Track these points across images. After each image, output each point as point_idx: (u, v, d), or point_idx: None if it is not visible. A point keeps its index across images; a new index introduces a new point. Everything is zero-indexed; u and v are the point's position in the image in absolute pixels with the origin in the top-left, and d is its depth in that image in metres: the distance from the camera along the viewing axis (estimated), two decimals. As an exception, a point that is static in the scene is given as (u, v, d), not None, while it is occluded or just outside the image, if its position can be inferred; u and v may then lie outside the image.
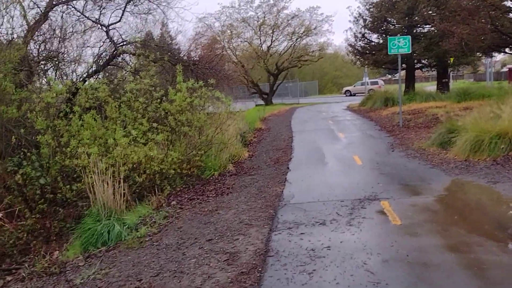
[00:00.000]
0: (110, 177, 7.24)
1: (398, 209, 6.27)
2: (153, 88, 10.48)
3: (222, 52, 26.85)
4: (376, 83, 43.10)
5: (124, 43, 14.95)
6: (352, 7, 28.27)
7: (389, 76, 64.32)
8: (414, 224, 5.64)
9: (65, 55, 15.18)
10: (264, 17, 37.37)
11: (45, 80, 9.39)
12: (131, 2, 14.28)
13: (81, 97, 9.70)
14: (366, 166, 9.61)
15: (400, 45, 14.84)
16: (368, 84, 37.37)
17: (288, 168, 10.12)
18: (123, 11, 13.92)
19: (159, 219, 7.20)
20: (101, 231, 6.72)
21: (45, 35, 14.85)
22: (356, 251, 4.81)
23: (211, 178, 10.07)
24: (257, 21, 37.32)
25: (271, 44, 39.08)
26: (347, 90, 47.36)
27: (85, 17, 13.49)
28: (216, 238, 5.77)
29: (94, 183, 7.11)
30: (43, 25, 14.74)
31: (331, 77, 61.39)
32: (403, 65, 27.73)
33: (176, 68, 16.99)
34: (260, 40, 38.63)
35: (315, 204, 6.86)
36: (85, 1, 13.63)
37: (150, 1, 14.59)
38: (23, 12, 14.80)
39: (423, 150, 10.76)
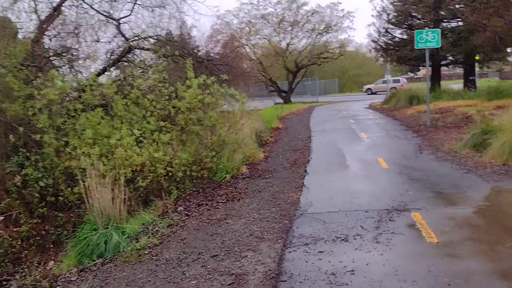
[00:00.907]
0: (109, 182, 6.59)
1: (432, 223, 5.43)
2: (162, 84, 9.83)
3: (238, 48, 26.08)
4: (398, 81, 41.72)
5: (136, 38, 14.39)
6: (375, 0, 27.06)
7: (411, 74, 62.65)
8: (454, 243, 4.80)
9: (78, 51, 14.73)
10: (284, 13, 36.51)
11: (52, 75, 8.75)
12: (142, -6, 13.69)
13: (85, 94, 9.11)
14: (392, 170, 8.75)
15: (428, 39, 13.86)
16: (390, 82, 36.11)
17: (305, 171, 9.33)
18: (134, 3, 13.32)
19: (162, 227, 6.52)
20: (97, 242, 6.07)
21: (56, 29, 14.41)
22: (386, 278, 4.01)
23: (223, 181, 9.36)
24: (276, 18, 36.48)
25: (290, 41, 38.25)
26: (368, 88, 46.13)
27: (95, 10, 12.95)
28: (222, 254, 5.04)
29: (91, 187, 6.47)
30: (55, 20, 14.31)
31: (352, 75, 60.09)
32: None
33: (193, 64, 16.39)
34: (279, 37, 37.80)
35: (336, 215, 6.06)
36: (94, -6, 13.09)
37: (162, -7, 13.98)
38: (34, 7, 14.39)
39: (454, 153, 9.83)
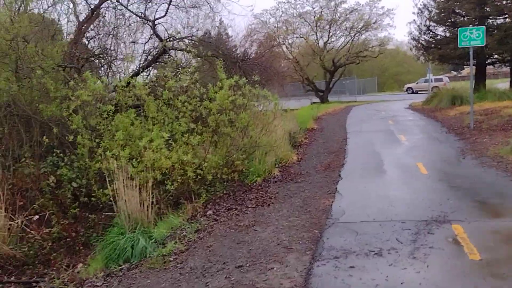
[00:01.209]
0: (136, 185, 6.52)
1: (475, 237, 5.00)
2: (194, 85, 9.75)
3: (273, 47, 25.72)
4: (440, 80, 40.15)
5: (170, 38, 14.44)
6: (417, -3, 26.07)
7: (454, 73, 60.35)
8: (499, 261, 4.38)
9: (117, 52, 14.94)
10: (321, 11, 35.91)
11: (86, 77, 8.83)
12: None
13: (118, 95, 9.15)
14: (432, 177, 8.26)
15: (473, 37, 13.13)
16: (432, 81, 34.75)
17: (339, 175, 8.98)
18: (169, 4, 13.35)
19: (190, 232, 6.39)
20: (124, 246, 6.00)
21: (94, 31, 14.67)
22: (422, 300, 3.67)
23: (254, 184, 9.17)
24: (314, 16, 35.91)
25: (328, 40, 37.55)
26: (408, 88, 44.68)
27: (131, 11, 13.07)
28: (248, 264, 4.83)
29: (119, 190, 6.42)
30: (93, 21, 14.57)
31: (392, 73, 58.47)
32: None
33: (227, 65, 16.33)
34: (317, 35, 37.22)
35: (370, 225, 5.72)
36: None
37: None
38: (73, 8, 14.71)
39: (500, 158, 9.20)
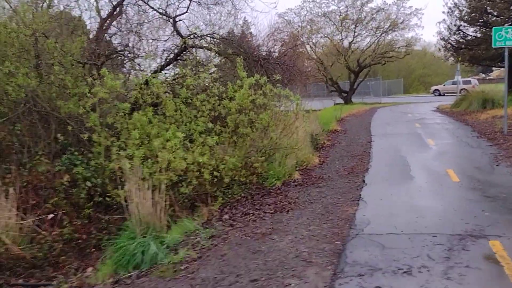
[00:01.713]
0: (149, 187, 6.22)
1: (516, 256, 4.51)
2: (213, 84, 9.42)
3: (297, 46, 25.11)
4: (469, 82, 38.94)
5: (191, 36, 14.17)
6: (447, -5, 25.06)
7: (483, 75, 58.67)
8: (546, 286, 3.88)
9: (139, 49, 14.77)
10: (347, 11, 35.24)
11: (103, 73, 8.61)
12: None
13: (134, 93, 8.89)
14: (464, 185, 7.71)
15: (508, 36, 12.42)
16: (460, 84, 33.64)
17: (363, 181, 8.51)
18: (190, 1, 13.06)
19: (204, 238, 6.06)
20: (134, 251, 5.71)
21: (116, 27, 14.52)
22: (459, 331, 3.23)
23: (274, 187, 8.80)
24: (339, 16, 35.25)
25: (353, 40, 36.83)
26: (436, 90, 43.55)
27: (151, 7, 12.84)
28: (263, 278, 4.45)
29: (130, 192, 6.13)
30: (116, 18, 14.45)
31: (418, 75, 57.27)
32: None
33: (248, 63, 15.94)
34: (341, 35, 36.53)
35: (398, 238, 5.26)
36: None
37: (217, -11, 13.62)
38: (96, 5, 14.60)
39: (539, 166, 8.58)
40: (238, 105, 8.75)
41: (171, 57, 14.06)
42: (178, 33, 13.77)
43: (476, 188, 7.44)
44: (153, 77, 8.15)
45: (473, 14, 22.01)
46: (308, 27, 36.70)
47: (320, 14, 35.73)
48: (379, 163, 10.12)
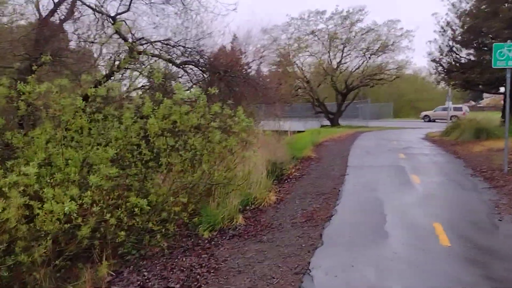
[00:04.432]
0: None
1: None
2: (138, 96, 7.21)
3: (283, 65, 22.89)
4: (460, 109, 37.27)
5: (139, 41, 12.04)
6: (439, 14, 23.06)
7: (473, 103, 57.35)
8: None
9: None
10: (335, 30, 33.49)
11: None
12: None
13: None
14: (457, 253, 5.44)
15: (511, 56, 10.38)
16: (451, 110, 31.79)
17: (321, 237, 6.22)
18: (131, -2, 10.93)
19: None
20: None
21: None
22: None
23: (200, 240, 6.55)
24: (327, 35, 33.49)
25: (341, 60, 35.02)
26: (425, 115, 41.82)
27: (83, 3, 10.63)
28: None
29: None
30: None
31: (408, 100, 55.73)
32: (501, 88, 22.51)
33: (208, 75, 13.71)
34: (329, 55, 34.71)
35: None
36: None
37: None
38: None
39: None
40: (159, 125, 6.50)
41: (116, 64, 11.84)
42: (121, 36, 11.60)
43: (475, 261, 5.17)
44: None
45: (467, 34, 20.14)
46: (296, 44, 34.91)
47: (308, 32, 33.95)
48: (348, 208, 7.85)
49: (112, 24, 10.91)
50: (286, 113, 39.17)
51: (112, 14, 10.96)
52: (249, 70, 20.59)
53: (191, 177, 6.86)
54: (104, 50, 13.11)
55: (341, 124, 34.86)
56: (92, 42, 11.88)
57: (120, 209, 5.67)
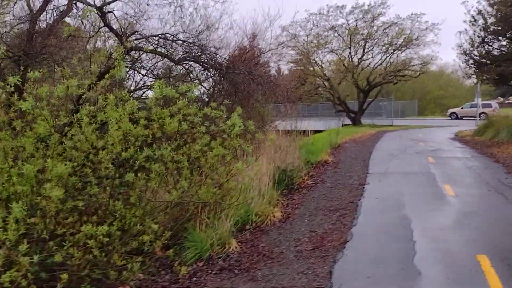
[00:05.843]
0: None
1: None
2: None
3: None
4: (489, 105, 35.06)
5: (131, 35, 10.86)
6: (470, 1, 21.06)
7: (501, 99, 54.52)
8: None
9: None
10: (356, 25, 31.77)
11: None
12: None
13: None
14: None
15: None
16: (479, 107, 29.67)
17: (330, 277, 4.79)
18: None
19: None
20: None
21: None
22: None
23: (188, 269, 5.24)
24: (348, 30, 31.80)
25: (362, 56, 33.31)
26: (452, 113, 39.67)
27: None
28: None
29: None
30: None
31: (434, 97, 53.48)
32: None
33: (209, 72, 12.58)
34: (350, 51, 33.00)
35: None
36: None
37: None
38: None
39: None
40: (123, 132, 5.18)
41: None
42: (111, 30, 10.43)
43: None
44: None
45: (501, 24, 18.25)
46: (315, 41, 33.33)
47: (327, 27, 32.35)
48: (366, 231, 6.37)
49: (100, 16, 9.69)
50: (305, 112, 37.86)
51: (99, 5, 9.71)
52: (268, 69, 19.30)
53: (168, 196, 5.53)
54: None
55: (363, 123, 33.28)
56: (82, 37, 10.72)
57: (67, 242, 4.40)
